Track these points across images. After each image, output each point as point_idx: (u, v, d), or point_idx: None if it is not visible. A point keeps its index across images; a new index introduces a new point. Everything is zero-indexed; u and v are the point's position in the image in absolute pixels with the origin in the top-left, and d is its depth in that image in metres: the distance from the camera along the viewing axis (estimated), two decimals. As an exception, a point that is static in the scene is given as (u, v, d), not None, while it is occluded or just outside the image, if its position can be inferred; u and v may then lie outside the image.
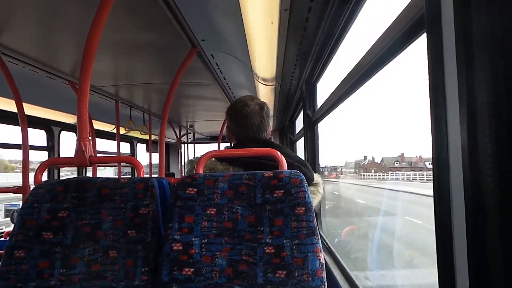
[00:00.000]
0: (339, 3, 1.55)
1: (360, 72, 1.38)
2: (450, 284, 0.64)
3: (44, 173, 1.31)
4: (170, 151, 7.83)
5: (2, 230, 3.38)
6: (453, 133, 0.63)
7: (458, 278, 0.63)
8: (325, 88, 2.57)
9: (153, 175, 4.77)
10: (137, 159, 1.56)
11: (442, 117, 0.65)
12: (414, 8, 0.84)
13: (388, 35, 1.02)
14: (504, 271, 0.54)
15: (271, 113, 2.65)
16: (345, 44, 1.97)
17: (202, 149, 8.51)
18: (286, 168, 1.22)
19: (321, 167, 3.03)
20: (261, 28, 1.83)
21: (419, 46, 0.85)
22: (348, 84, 1.57)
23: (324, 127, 2.71)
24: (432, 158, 0.70)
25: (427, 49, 0.70)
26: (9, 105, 2.78)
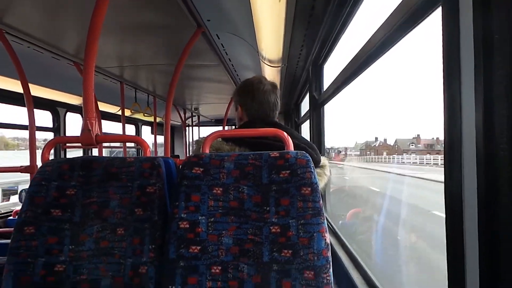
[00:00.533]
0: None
1: (369, 52, 1.35)
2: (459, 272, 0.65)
3: (50, 154, 1.32)
4: (175, 133, 7.85)
5: (11, 209, 3.44)
6: (467, 113, 0.61)
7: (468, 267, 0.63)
8: (332, 69, 2.54)
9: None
10: None
11: (456, 97, 0.64)
12: None
13: (399, 12, 1.00)
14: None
15: (277, 95, 2.63)
16: (353, 25, 1.93)
17: (206, 132, 8.53)
18: (293, 149, 1.22)
19: (327, 148, 3.00)
20: (268, 8, 1.79)
21: (432, 23, 0.83)
22: (356, 64, 1.54)
23: (332, 106, 2.64)
24: (444, 140, 0.69)
25: (442, 25, 0.68)
26: (15, 86, 2.78)
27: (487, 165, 0.57)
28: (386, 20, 1.13)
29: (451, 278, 0.69)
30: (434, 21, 0.77)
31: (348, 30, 2.00)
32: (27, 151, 2.55)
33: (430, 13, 0.85)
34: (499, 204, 0.56)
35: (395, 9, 1.03)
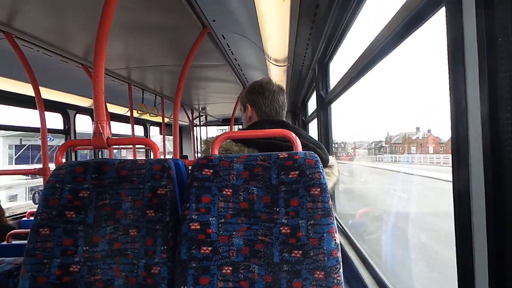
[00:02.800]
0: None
1: (375, 50, 1.35)
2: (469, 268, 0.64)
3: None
4: (183, 133, 7.89)
5: (25, 211, 3.50)
6: (473, 112, 0.61)
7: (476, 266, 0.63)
8: (338, 67, 2.52)
9: (167, 157, 4.84)
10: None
11: (461, 97, 0.64)
12: None
13: (404, 11, 0.99)
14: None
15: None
16: (358, 22, 1.91)
17: (214, 131, 8.55)
18: (301, 150, 1.22)
19: (335, 143, 2.87)
20: (272, 7, 1.79)
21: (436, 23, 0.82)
22: (363, 62, 1.54)
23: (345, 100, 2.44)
24: (451, 139, 0.69)
25: (446, 25, 0.68)
26: (25, 89, 2.83)
27: (494, 163, 0.57)
28: (391, 19, 1.13)
29: (460, 277, 0.69)
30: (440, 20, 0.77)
31: (353, 27, 1.99)
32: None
33: (434, 13, 0.85)
34: (507, 201, 0.55)
35: (400, 8, 1.03)
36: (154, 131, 6.51)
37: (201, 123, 7.48)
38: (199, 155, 7.50)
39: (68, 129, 3.86)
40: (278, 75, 3.24)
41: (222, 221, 1.09)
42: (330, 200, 1.09)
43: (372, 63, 1.50)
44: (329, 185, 1.14)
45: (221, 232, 1.08)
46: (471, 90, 0.61)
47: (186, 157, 7.18)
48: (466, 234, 0.65)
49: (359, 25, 1.94)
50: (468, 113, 0.63)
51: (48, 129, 2.65)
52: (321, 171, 1.10)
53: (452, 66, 0.66)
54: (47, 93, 3.17)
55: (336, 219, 1.10)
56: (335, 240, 1.03)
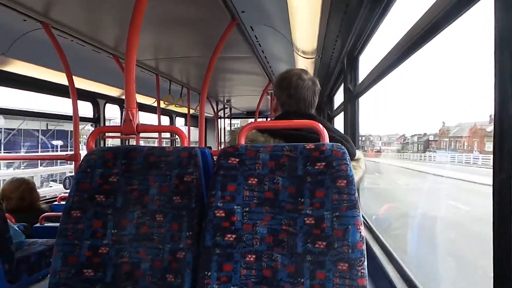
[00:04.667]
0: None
1: (408, 44, 1.31)
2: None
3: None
4: (207, 125, 7.97)
5: (56, 195, 3.66)
6: None
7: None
8: (367, 61, 2.45)
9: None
10: None
11: (508, 94, 0.61)
12: None
13: (439, 5, 0.95)
14: None
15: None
16: (391, 16, 1.86)
17: (238, 123, 8.57)
18: (328, 141, 1.21)
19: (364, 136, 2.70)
20: (303, -1, 1.77)
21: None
22: (395, 56, 1.50)
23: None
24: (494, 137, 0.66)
25: (494, 12, 0.65)
26: (57, 77, 2.93)
27: None
28: (426, 11, 1.09)
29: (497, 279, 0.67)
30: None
31: (385, 21, 1.93)
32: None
33: (476, 2, 0.81)
34: None
35: (433, 4, 0.99)
36: (179, 122, 6.61)
37: (225, 115, 7.53)
38: (223, 146, 7.57)
39: (98, 118, 3.98)
40: (304, 68, 3.21)
41: (246, 209, 1.09)
42: (356, 192, 1.07)
43: (403, 57, 1.45)
44: (356, 178, 1.13)
45: (246, 220, 1.08)
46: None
47: (210, 148, 7.25)
48: (505, 234, 0.63)
49: (391, 19, 1.88)
50: None
51: (80, 117, 2.74)
52: (348, 163, 1.09)
53: (499, 60, 0.63)
54: (79, 82, 3.28)
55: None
56: (360, 232, 1.02)
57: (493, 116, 0.63)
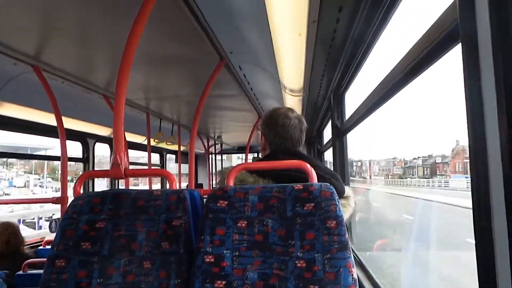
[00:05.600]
0: (368, 14, 1.53)
1: (392, 82, 1.35)
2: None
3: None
4: (198, 161, 7.95)
5: (41, 239, 3.53)
6: (492, 142, 0.61)
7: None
8: (354, 98, 2.52)
9: (182, 185, 4.86)
10: (167, 169, 1.59)
11: (480, 127, 0.63)
12: (447, 19, 0.81)
13: (420, 46, 1.00)
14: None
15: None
16: (374, 54, 1.93)
17: (230, 159, 8.57)
18: (316, 181, 1.21)
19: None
20: (289, 40, 1.83)
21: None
22: (379, 94, 1.54)
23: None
24: (470, 166, 0.67)
25: (463, 61, 0.68)
26: (47, 119, 2.93)
27: None
28: (405, 54, 1.14)
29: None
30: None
31: (369, 59, 2.00)
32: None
33: (450, 49, 0.85)
34: None
35: (414, 44, 1.04)
36: (170, 159, 6.58)
37: (217, 151, 7.53)
38: (214, 182, 7.53)
39: (87, 158, 3.94)
40: (293, 105, 3.27)
41: (236, 254, 1.07)
42: (347, 233, 1.06)
43: (388, 94, 1.49)
44: (345, 216, 1.12)
45: (236, 265, 1.06)
46: (491, 132, 0.61)
47: (201, 185, 7.20)
48: (487, 239, 0.63)
49: (374, 57, 1.96)
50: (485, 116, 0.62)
51: (69, 157, 2.71)
52: (337, 203, 1.08)
53: (469, 104, 0.66)
54: (68, 123, 3.28)
55: (353, 251, 1.06)
56: (352, 275, 1.00)
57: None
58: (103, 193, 1.24)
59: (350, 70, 2.24)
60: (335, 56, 2.08)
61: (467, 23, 0.65)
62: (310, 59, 2.09)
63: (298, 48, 1.93)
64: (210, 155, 7.36)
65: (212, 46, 2.00)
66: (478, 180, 0.65)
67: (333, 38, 1.83)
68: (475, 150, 0.66)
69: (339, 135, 2.71)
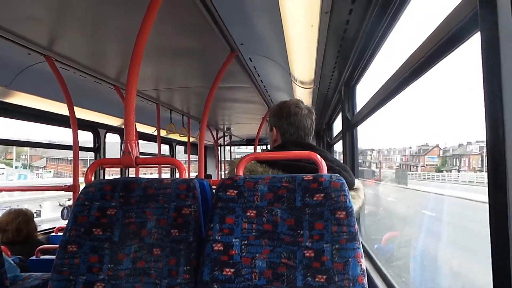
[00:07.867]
0: (382, 5, 1.51)
1: (404, 74, 1.33)
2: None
3: None
4: (207, 153, 7.99)
5: (54, 226, 3.60)
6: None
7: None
8: (365, 90, 2.48)
9: (191, 175, 4.90)
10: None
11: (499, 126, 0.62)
12: (466, 7, 0.79)
13: (437, 35, 0.98)
14: None
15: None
16: (387, 46, 1.90)
17: (238, 151, 8.60)
18: (326, 172, 1.21)
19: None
20: (300, 31, 1.82)
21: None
22: (392, 86, 1.52)
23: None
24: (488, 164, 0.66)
25: (481, 49, 0.67)
26: (60, 109, 2.97)
27: None
28: (420, 46, 1.11)
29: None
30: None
31: (381, 50, 1.97)
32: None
33: (468, 38, 0.83)
34: None
35: (430, 34, 1.02)
36: (180, 150, 6.63)
37: (225, 143, 7.56)
38: (223, 174, 7.57)
39: (98, 147, 4.00)
40: (303, 97, 3.25)
41: (245, 242, 1.08)
42: (356, 224, 1.06)
43: (400, 87, 1.48)
44: (355, 208, 1.12)
45: (244, 254, 1.07)
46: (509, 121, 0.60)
47: (210, 176, 7.25)
48: (503, 245, 0.62)
49: (387, 48, 1.93)
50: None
51: (80, 146, 2.75)
52: (347, 194, 1.08)
53: (488, 95, 0.64)
54: (80, 113, 3.32)
55: (361, 243, 1.06)
56: (361, 265, 1.00)
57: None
58: (114, 180, 1.26)
59: (362, 62, 2.21)
60: (347, 48, 2.06)
61: (487, 10, 0.64)
62: (321, 51, 2.07)
63: (309, 40, 1.92)
64: (219, 147, 7.39)
65: (223, 37, 2.00)
66: (495, 178, 0.64)
67: (345, 30, 1.81)
68: (492, 145, 0.64)
69: (350, 127, 2.69)
